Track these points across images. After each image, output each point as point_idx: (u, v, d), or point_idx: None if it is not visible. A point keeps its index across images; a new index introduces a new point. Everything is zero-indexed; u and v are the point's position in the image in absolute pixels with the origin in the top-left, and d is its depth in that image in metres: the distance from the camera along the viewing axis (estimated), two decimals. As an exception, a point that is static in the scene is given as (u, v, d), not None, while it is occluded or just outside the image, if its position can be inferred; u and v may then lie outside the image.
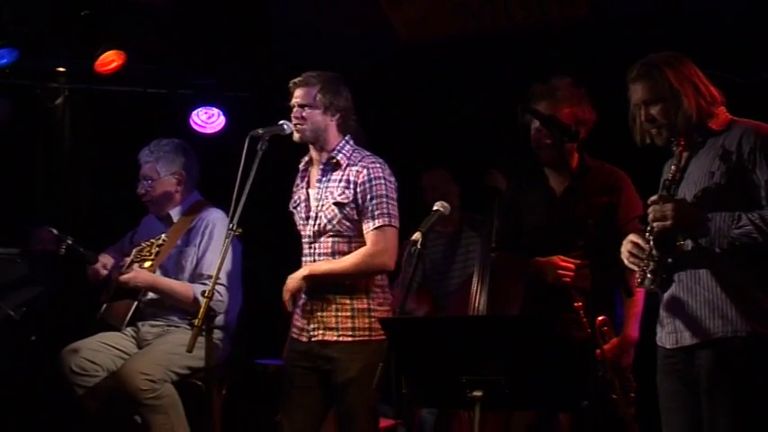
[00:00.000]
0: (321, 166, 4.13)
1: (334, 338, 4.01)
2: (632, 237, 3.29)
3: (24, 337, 5.16)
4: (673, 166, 3.27)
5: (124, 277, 4.54)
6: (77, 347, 4.58)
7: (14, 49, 5.38)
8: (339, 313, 4.02)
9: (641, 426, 3.86)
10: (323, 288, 4.04)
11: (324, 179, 4.11)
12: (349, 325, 4.01)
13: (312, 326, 4.05)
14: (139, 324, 4.73)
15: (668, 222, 3.15)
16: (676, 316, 3.25)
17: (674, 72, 3.28)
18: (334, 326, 4.02)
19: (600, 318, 3.82)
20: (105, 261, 4.77)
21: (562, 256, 3.97)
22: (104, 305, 4.73)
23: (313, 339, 4.05)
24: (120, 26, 5.47)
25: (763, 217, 3.08)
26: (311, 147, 4.16)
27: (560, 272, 3.95)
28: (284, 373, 4.16)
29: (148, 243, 4.39)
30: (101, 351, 4.60)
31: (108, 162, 6.01)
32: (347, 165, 4.08)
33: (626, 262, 3.31)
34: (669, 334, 3.29)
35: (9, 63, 5.42)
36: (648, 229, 3.21)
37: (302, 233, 4.16)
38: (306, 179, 4.21)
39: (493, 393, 3.08)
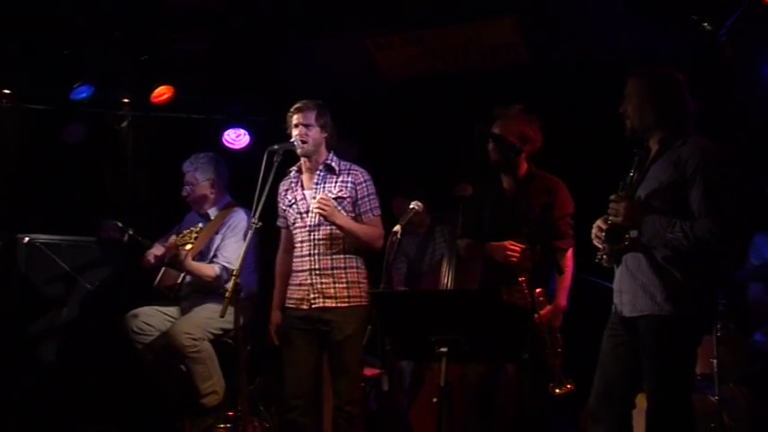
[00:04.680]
0: (318, 173, 4.08)
1: (334, 305, 3.96)
2: (599, 221, 3.21)
3: (98, 305, 5.17)
4: (631, 172, 3.16)
5: (175, 247, 4.39)
6: (137, 313, 4.55)
7: (91, 85, 5.41)
8: (337, 285, 3.98)
9: (565, 373, 3.80)
10: (325, 266, 3.99)
11: (321, 182, 4.06)
12: (345, 294, 3.97)
13: (313, 296, 3.99)
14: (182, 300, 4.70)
15: (619, 219, 3.09)
16: (621, 292, 3.18)
17: (650, 82, 3.15)
18: (332, 295, 3.97)
19: (537, 290, 3.83)
20: (156, 252, 4.68)
21: (512, 241, 3.92)
22: (159, 275, 4.69)
23: (314, 306, 3.98)
24: (170, 67, 5.51)
25: (692, 227, 2.96)
26: (304, 158, 4.10)
27: (508, 253, 3.90)
28: (285, 336, 4.06)
29: (188, 231, 4.37)
30: (154, 316, 4.57)
31: (160, 171, 5.98)
32: (341, 170, 4.07)
33: (593, 240, 3.24)
34: (616, 305, 3.22)
35: (87, 97, 5.44)
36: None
37: (298, 224, 4.08)
38: (299, 183, 4.13)
39: (455, 349, 3.06)
